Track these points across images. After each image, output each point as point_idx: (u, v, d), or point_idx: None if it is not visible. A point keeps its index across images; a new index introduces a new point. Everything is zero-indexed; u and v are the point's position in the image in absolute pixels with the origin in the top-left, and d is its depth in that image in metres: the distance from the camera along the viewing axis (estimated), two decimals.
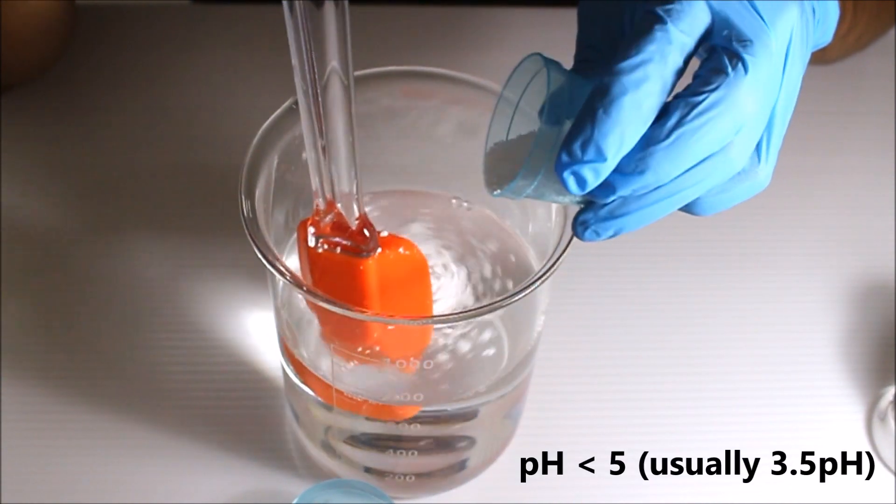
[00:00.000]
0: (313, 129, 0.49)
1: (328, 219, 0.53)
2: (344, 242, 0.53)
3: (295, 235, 0.61)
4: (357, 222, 0.53)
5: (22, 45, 0.77)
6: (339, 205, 0.52)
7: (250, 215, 0.53)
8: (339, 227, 0.53)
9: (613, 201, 0.45)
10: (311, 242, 0.54)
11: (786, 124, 0.46)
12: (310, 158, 0.51)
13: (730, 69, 0.43)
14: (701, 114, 0.43)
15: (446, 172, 0.62)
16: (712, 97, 0.43)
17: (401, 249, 0.55)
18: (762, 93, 0.44)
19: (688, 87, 0.43)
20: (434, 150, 0.61)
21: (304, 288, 0.52)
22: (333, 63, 0.46)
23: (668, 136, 0.43)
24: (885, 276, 0.76)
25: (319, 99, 0.48)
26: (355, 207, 0.52)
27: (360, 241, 0.53)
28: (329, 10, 0.44)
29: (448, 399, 0.59)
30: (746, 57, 0.43)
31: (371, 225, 0.53)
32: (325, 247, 0.54)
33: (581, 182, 0.43)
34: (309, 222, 0.54)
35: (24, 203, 0.77)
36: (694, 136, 0.43)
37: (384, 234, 0.54)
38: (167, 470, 0.65)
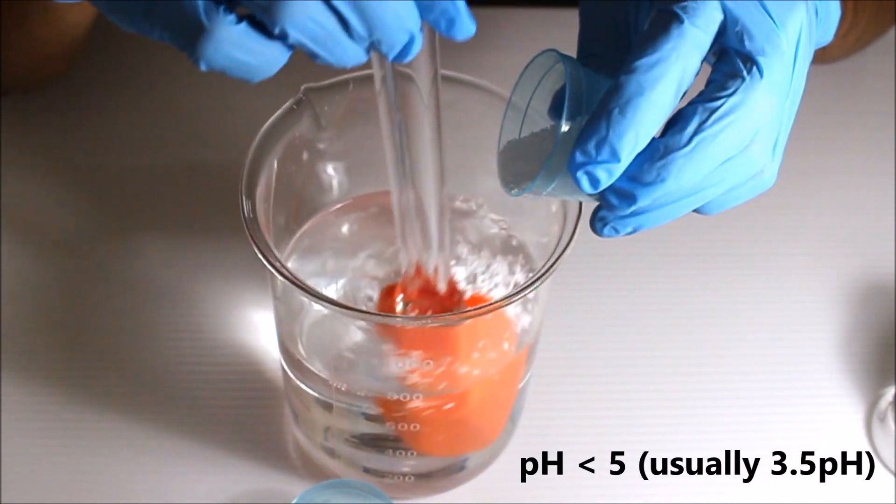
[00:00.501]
0: (403, 197, 0.51)
1: (415, 284, 0.54)
2: (432, 307, 0.55)
3: (295, 236, 0.61)
4: (445, 287, 0.54)
5: (48, 50, 0.77)
6: (427, 271, 0.54)
7: (251, 215, 0.53)
8: (427, 292, 0.54)
9: None
10: (399, 308, 0.55)
11: (791, 122, 0.46)
12: (398, 229, 0.53)
13: (745, 73, 0.43)
14: (720, 119, 0.43)
15: (448, 172, 0.62)
16: (730, 102, 0.43)
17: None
18: (777, 94, 0.44)
19: (702, 93, 0.43)
20: None
21: (304, 288, 0.52)
22: (425, 127, 0.48)
23: (688, 142, 0.43)
24: (885, 276, 0.76)
25: (409, 171, 0.49)
26: (446, 273, 0.54)
27: (447, 305, 0.55)
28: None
29: (448, 399, 0.59)
30: (760, 60, 0.43)
31: (457, 289, 0.55)
32: (415, 312, 0.55)
33: (594, 181, 0.43)
34: (396, 289, 0.55)
35: (29, 203, 0.76)
36: (714, 142, 0.43)
37: (468, 295, 0.56)
38: (166, 470, 0.65)
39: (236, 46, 0.41)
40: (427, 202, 0.51)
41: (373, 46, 0.42)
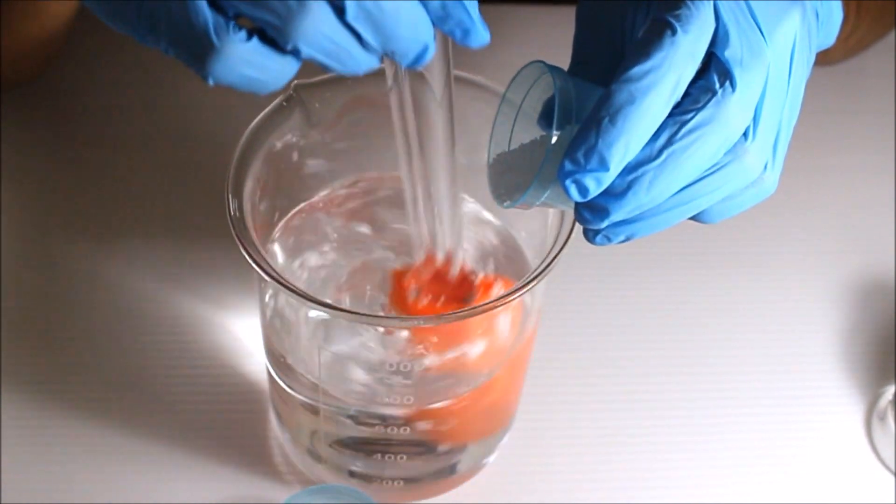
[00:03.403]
0: (415, 186, 0.51)
1: (427, 271, 0.55)
2: (444, 293, 0.55)
3: (282, 235, 0.60)
4: (458, 274, 0.55)
5: (30, 44, 0.76)
6: (440, 257, 0.54)
7: (237, 214, 0.53)
8: (440, 278, 0.55)
9: None
10: (412, 296, 0.55)
11: (791, 129, 0.46)
12: (411, 215, 0.53)
13: (717, 87, 0.43)
14: (690, 132, 0.43)
15: None
16: (700, 116, 0.43)
17: (495, 290, 0.56)
18: (752, 106, 0.44)
19: (679, 106, 0.43)
20: None
21: (291, 289, 0.51)
22: (438, 119, 0.48)
23: (658, 154, 0.43)
24: (885, 276, 0.76)
25: (421, 157, 0.50)
26: (458, 260, 0.54)
27: (460, 292, 0.55)
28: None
29: (439, 401, 0.58)
30: (736, 71, 0.43)
31: (469, 275, 0.55)
32: (426, 300, 0.55)
33: (583, 190, 0.43)
34: (409, 275, 0.55)
35: (21, 204, 0.76)
36: (684, 154, 0.43)
37: (479, 277, 0.56)
38: (151, 474, 0.65)
39: (246, 64, 0.40)
40: (439, 185, 0.51)
41: (386, 55, 0.42)
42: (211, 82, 0.41)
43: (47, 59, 0.79)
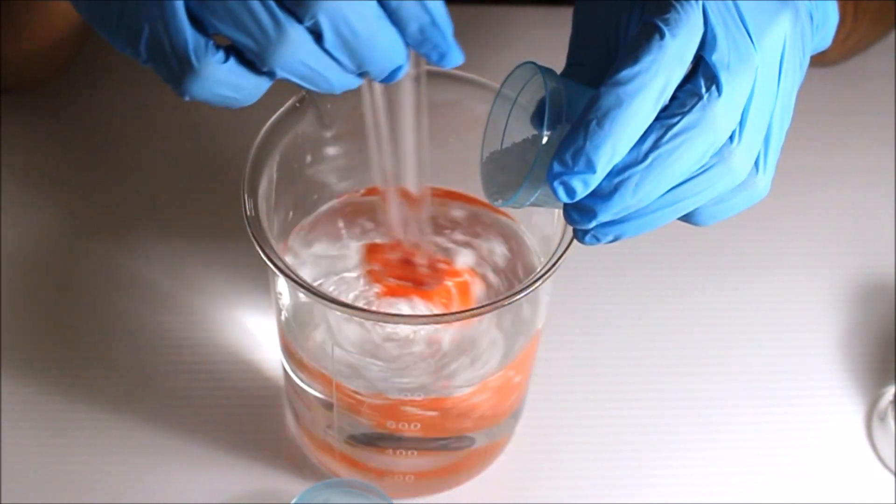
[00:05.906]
0: (385, 172, 0.53)
1: (395, 255, 0.56)
2: (409, 278, 0.57)
3: (297, 234, 0.61)
4: (425, 261, 0.56)
5: (43, 44, 0.76)
6: (408, 244, 0.56)
7: (253, 214, 0.53)
8: (407, 263, 0.56)
9: None
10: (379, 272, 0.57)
11: (783, 133, 0.46)
12: (386, 205, 0.54)
13: (704, 90, 0.43)
14: (676, 136, 0.43)
15: (449, 170, 0.62)
16: (686, 120, 0.43)
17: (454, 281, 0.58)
18: (738, 110, 0.44)
19: (666, 109, 0.44)
20: (437, 148, 0.61)
21: (306, 287, 0.51)
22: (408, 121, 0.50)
23: (644, 158, 0.43)
24: (885, 276, 0.76)
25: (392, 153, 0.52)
26: (426, 250, 0.56)
27: (425, 278, 0.57)
28: None
29: (450, 397, 0.58)
30: (722, 76, 0.43)
31: (436, 263, 0.56)
32: (391, 280, 0.57)
33: (570, 192, 0.43)
34: (377, 257, 0.58)
35: (27, 202, 0.76)
36: (670, 158, 0.43)
37: (443, 266, 0.58)
38: (166, 469, 0.65)
39: (222, 84, 0.42)
40: (407, 179, 0.53)
41: (360, 74, 0.43)
42: (186, 98, 0.42)
43: (64, 60, 0.79)
